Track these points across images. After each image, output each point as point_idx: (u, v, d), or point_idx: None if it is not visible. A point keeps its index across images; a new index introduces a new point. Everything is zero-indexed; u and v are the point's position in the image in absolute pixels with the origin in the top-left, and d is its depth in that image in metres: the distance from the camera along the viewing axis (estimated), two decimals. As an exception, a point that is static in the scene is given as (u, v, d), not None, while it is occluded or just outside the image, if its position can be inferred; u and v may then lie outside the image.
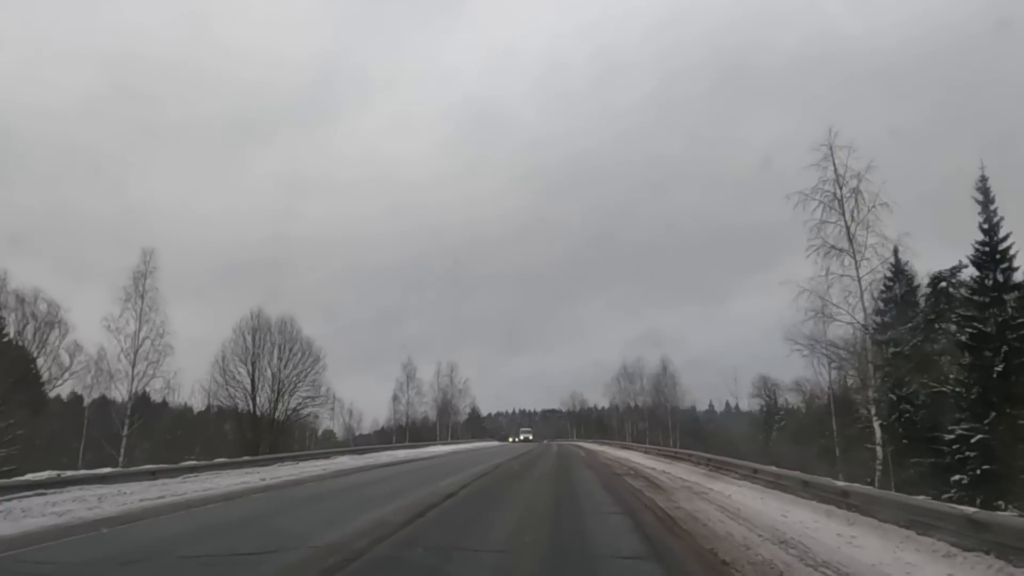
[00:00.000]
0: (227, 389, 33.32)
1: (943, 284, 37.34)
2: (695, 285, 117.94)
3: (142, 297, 29.66)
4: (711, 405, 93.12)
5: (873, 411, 19.49)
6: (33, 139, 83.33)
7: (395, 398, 66.60)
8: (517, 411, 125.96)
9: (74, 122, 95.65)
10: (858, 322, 20.45)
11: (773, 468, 14.92)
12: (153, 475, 15.92)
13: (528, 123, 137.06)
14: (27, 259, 65.86)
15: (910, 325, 40.42)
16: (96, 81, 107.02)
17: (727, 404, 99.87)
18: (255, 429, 32.84)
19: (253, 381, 32.95)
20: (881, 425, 19.77)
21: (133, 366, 29.22)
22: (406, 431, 65.88)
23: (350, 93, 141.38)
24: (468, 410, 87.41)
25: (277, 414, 33.67)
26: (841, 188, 18.98)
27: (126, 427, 28.57)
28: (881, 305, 41.78)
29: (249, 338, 33.53)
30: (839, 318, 20.30)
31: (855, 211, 18.65)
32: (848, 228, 18.80)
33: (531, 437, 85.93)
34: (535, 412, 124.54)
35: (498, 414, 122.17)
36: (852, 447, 43.12)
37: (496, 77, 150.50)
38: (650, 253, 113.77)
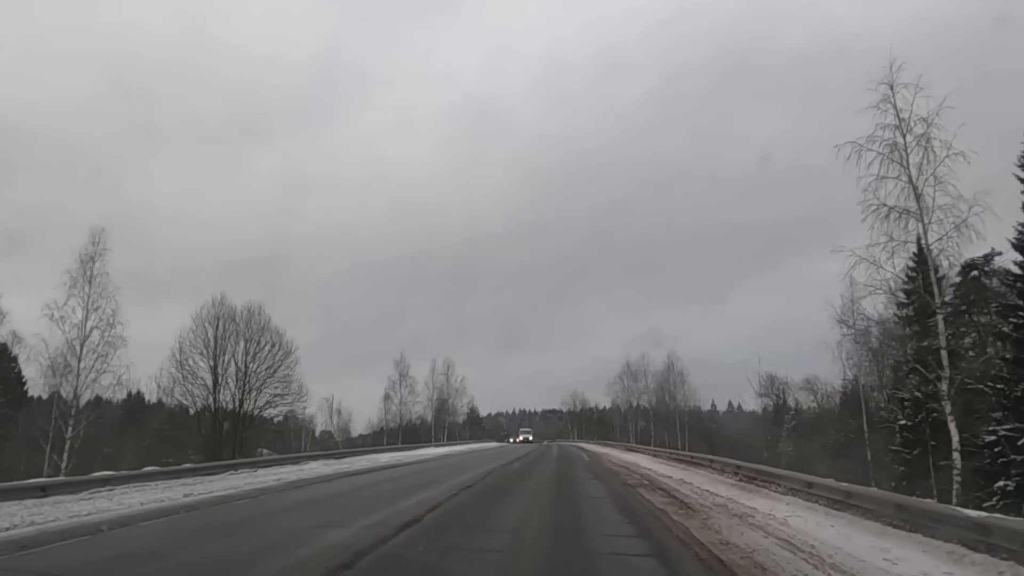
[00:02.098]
0: (185, 385, 29.95)
1: (974, 273, 34.15)
2: (696, 283, 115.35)
3: (90, 282, 26.34)
4: (713, 405, 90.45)
5: (949, 409, 16.02)
6: (31, 138, 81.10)
7: (387, 397, 63.32)
8: (517, 411, 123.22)
9: (72, 121, 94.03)
10: (928, 298, 17.00)
11: (841, 484, 11.53)
12: (43, 491, 12.61)
13: (528, 121, 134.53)
14: (26, 258, 63.42)
15: (939, 317, 37.08)
16: (94, 80, 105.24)
17: (730, 403, 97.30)
18: (217, 430, 29.44)
19: (215, 376, 29.60)
20: (957, 425, 16.28)
21: (79, 360, 25.87)
22: (398, 432, 62.61)
23: (349, 91, 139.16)
24: (466, 410, 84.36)
25: (243, 413, 30.16)
26: (904, 136, 15.59)
27: (70, 428, 25.19)
28: (903, 297, 38.69)
29: (211, 328, 30.18)
30: (900, 294, 16.77)
31: (922, 164, 15.28)
32: (913, 185, 15.41)
33: (531, 438, 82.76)
34: (535, 412, 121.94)
35: (498, 414, 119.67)
36: (865, 451, 39.93)
37: (496, 75, 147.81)
38: (651, 251, 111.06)
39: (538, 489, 15.23)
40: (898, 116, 15.47)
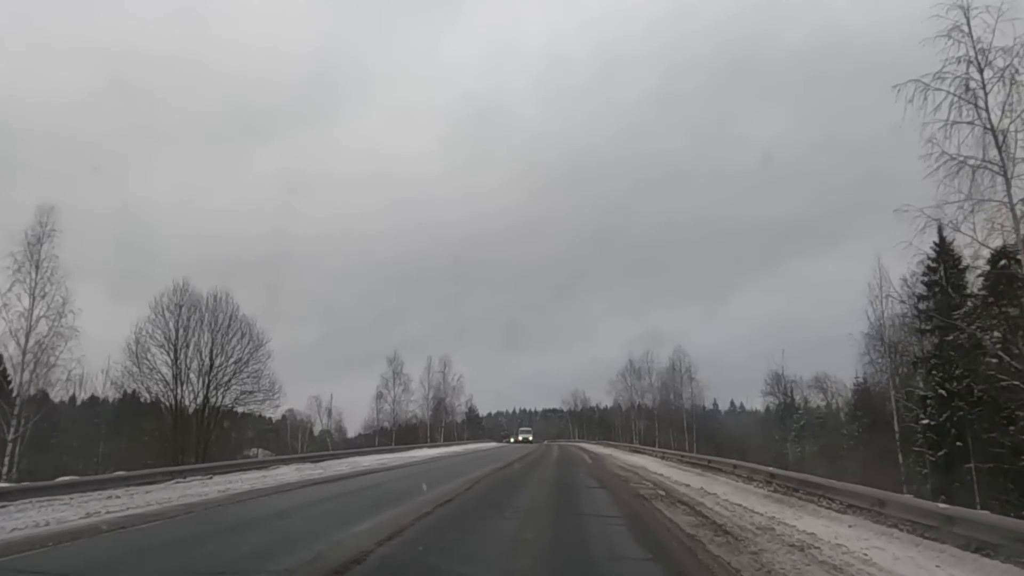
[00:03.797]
0: (141, 380, 27.16)
1: (1004, 262, 31.55)
2: (696, 283, 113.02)
3: (37, 267, 23.61)
4: (716, 404, 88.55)
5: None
6: (31, 136, 79.05)
7: (379, 396, 60.48)
8: (517, 411, 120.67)
9: (73, 119, 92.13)
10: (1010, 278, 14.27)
11: (939, 506, 8.74)
12: None
13: (529, 120, 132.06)
14: None
15: (964, 309, 34.49)
16: (95, 78, 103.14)
17: (732, 403, 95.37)
18: (177, 430, 26.59)
19: (177, 371, 26.79)
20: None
21: (24, 353, 23.15)
22: (392, 433, 59.90)
23: (350, 90, 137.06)
24: (465, 409, 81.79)
25: (208, 411, 27.29)
26: (982, 71, 12.82)
27: (12, 430, 22.48)
28: (924, 290, 35.94)
29: (172, 318, 27.33)
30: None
31: (1005, 105, 12.48)
32: (993, 131, 12.61)
33: (531, 438, 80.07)
34: (535, 412, 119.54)
35: (498, 414, 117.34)
36: (883, 455, 37.05)
37: (497, 73, 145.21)
38: (651, 251, 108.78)
39: (533, 505, 12.47)
40: (974, 47, 12.72)
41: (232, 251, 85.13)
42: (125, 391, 47.45)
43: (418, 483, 17.34)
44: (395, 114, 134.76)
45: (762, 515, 11.21)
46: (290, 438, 66.77)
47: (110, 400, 50.28)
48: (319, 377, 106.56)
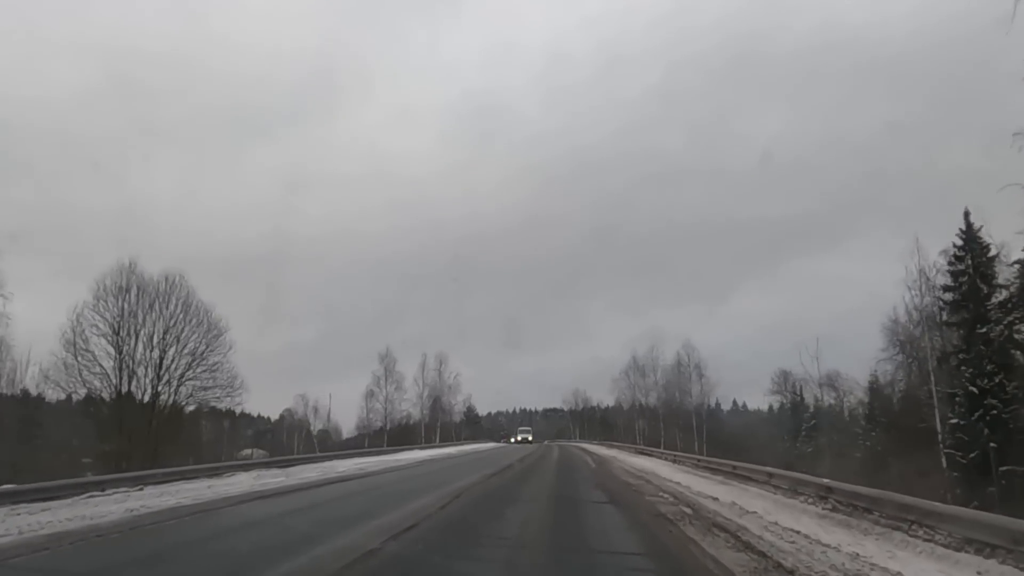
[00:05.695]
0: (80, 375, 24.06)
1: (1042, 248, 28.60)
2: (697, 281, 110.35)
3: (-40, 244, 20.58)
4: (718, 403, 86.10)
5: None
6: (30, 133, 77.03)
7: (370, 394, 57.52)
8: (517, 410, 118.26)
9: (71, 116, 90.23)
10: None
11: None
12: None
13: (529, 117, 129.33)
14: (25, 256, 62.40)
15: (998, 300, 31.72)
16: (93, 74, 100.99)
17: (734, 402, 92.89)
18: (121, 432, 23.52)
19: (122, 363, 23.68)
20: None
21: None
22: (384, 433, 56.98)
23: (349, 86, 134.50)
24: (463, 409, 79.13)
25: (156, 408, 24.21)
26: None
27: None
28: (950, 280, 33.03)
29: (115, 303, 24.14)
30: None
31: None
32: None
33: (530, 438, 77.48)
34: (536, 411, 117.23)
35: (498, 413, 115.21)
36: (904, 456, 34.05)
37: (497, 70, 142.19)
38: (652, 248, 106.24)
39: (523, 534, 9.38)
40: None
41: (231, 248, 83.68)
42: (120, 391, 45.18)
43: (387, 495, 14.41)
44: (395, 111, 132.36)
45: (836, 549, 8.20)
46: (286, 438, 64.70)
47: (105, 399, 48.21)
48: (319, 376, 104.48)
